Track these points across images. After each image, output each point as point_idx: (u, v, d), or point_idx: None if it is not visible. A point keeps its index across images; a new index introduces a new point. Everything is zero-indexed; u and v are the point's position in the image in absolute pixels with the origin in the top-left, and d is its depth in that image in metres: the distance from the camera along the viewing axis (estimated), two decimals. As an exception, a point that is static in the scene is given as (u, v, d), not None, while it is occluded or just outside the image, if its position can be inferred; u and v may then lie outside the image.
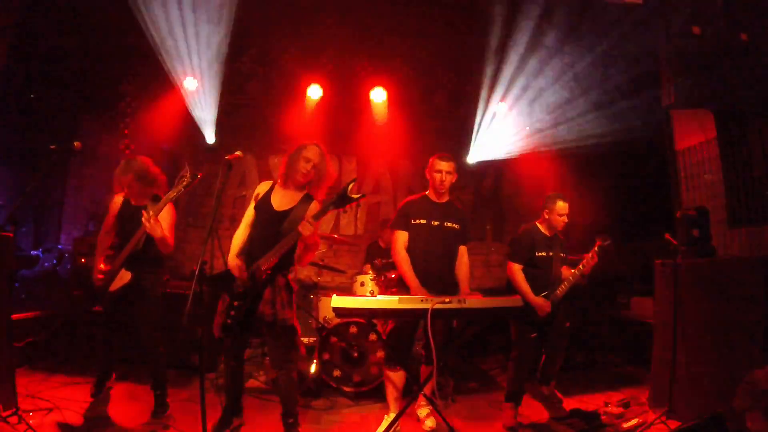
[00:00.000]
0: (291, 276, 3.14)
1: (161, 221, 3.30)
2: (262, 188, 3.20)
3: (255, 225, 3.11)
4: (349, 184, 2.82)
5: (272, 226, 3.01)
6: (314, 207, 3.07)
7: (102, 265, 3.55)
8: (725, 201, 4.78)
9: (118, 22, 5.26)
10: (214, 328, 3.01)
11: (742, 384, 1.60)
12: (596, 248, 3.88)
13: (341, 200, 2.83)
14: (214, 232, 2.82)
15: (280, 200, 3.11)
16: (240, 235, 3.13)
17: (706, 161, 4.96)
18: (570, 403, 4.08)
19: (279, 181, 3.19)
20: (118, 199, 3.64)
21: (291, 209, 3.06)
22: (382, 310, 2.93)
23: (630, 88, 5.41)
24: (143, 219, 3.24)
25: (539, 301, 3.72)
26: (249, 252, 3.04)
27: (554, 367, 4.10)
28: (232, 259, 3.04)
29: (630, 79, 5.36)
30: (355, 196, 2.82)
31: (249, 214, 3.16)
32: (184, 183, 3.11)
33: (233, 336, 3.04)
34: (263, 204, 3.11)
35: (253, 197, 3.18)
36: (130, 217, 3.53)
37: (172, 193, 3.17)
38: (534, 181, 6.77)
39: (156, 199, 3.53)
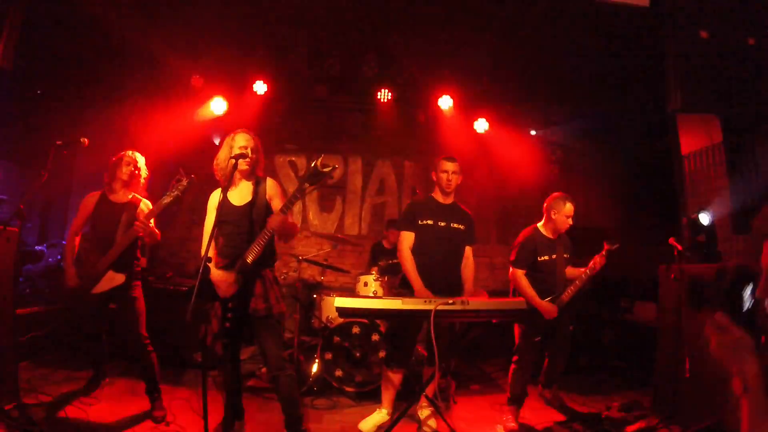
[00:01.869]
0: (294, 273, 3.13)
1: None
2: (214, 197, 3.09)
3: (224, 228, 3.01)
4: (317, 160, 2.72)
5: (242, 222, 2.99)
6: (272, 185, 3.08)
7: (73, 268, 3.44)
8: (730, 206, 4.75)
9: (124, 20, 5.28)
10: (216, 347, 2.95)
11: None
12: (604, 252, 3.87)
13: (313, 176, 2.75)
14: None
15: (238, 196, 3.07)
16: (210, 249, 2.89)
17: (712, 166, 4.93)
18: (572, 407, 4.08)
19: (227, 184, 2.97)
20: (92, 198, 3.52)
21: (253, 198, 3.03)
22: (385, 310, 2.93)
23: (636, 90, 5.39)
24: (137, 225, 3.27)
25: (546, 305, 3.69)
26: (227, 255, 2.97)
27: (557, 370, 4.10)
28: (215, 273, 2.89)
29: (636, 83, 5.34)
30: (326, 170, 2.73)
31: (209, 223, 3.02)
32: (181, 188, 3.12)
33: (232, 337, 2.99)
34: (225, 207, 2.97)
35: (209, 209, 3.08)
36: (108, 214, 3.44)
37: (168, 198, 3.16)
38: (538, 183, 6.76)
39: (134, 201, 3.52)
